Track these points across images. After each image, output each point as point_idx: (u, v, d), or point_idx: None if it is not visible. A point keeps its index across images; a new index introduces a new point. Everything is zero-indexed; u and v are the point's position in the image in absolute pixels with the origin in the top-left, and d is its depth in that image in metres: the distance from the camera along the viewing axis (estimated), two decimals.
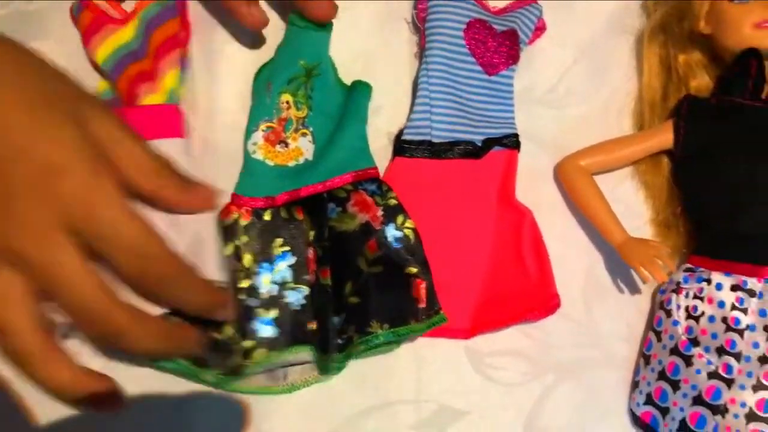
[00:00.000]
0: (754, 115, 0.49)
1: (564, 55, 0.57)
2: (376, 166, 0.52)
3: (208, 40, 0.56)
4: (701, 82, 0.54)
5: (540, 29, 0.56)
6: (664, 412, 0.49)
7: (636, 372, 0.51)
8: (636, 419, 0.50)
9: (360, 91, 0.54)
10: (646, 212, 0.55)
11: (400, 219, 0.50)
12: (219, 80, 0.56)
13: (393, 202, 0.51)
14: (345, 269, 0.49)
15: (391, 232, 0.50)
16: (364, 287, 0.48)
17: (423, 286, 0.49)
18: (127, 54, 0.53)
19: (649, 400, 0.49)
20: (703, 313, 0.48)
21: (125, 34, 0.53)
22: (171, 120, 0.52)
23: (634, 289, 0.53)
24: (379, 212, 0.50)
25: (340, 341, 0.47)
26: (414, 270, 0.49)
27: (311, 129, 0.52)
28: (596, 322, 0.53)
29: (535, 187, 0.55)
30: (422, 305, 0.49)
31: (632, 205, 0.55)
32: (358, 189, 0.51)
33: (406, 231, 0.50)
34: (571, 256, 0.54)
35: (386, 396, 0.51)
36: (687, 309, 0.49)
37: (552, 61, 0.57)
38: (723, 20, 0.50)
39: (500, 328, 0.51)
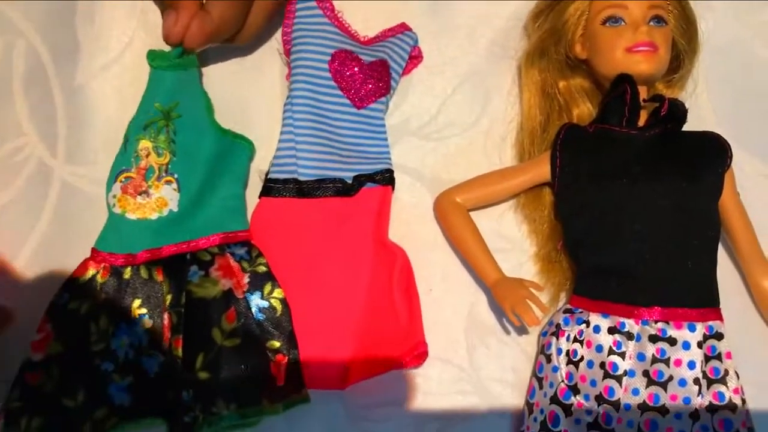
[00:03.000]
0: (628, 144, 0.47)
1: (443, 84, 0.54)
2: (248, 229, 0.49)
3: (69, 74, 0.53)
4: (583, 109, 0.51)
5: (416, 58, 0.54)
6: None
7: (521, 421, 0.48)
8: None
9: (240, 147, 0.50)
10: (531, 247, 0.51)
11: (267, 288, 0.47)
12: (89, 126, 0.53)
13: (262, 269, 0.48)
14: (198, 340, 0.45)
15: (256, 302, 0.47)
16: (215, 362, 0.45)
17: (284, 362, 0.46)
18: None
19: None
20: (582, 358, 0.45)
21: None
22: None
23: (519, 331, 0.50)
24: (245, 279, 0.47)
25: (187, 419, 0.43)
26: (276, 344, 0.46)
27: (176, 175, 0.48)
28: (480, 367, 0.50)
29: (415, 223, 0.52)
30: (280, 384, 0.45)
31: (517, 240, 0.52)
32: (224, 252, 0.47)
33: (273, 301, 0.47)
34: (452, 296, 0.51)
35: None
36: (567, 353, 0.46)
37: (430, 91, 0.54)
38: (596, 44, 0.48)
39: (373, 377, 0.48)
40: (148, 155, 0.48)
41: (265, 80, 0.54)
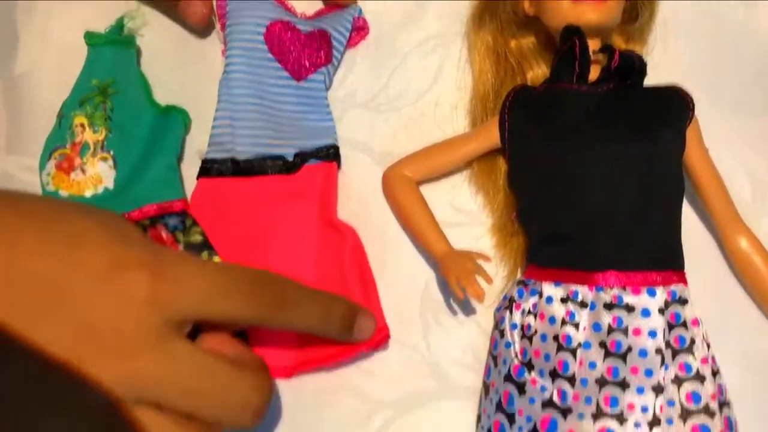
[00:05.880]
0: (579, 101, 0.43)
1: (391, 54, 0.51)
2: (185, 198, 0.47)
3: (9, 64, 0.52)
4: (538, 72, 0.48)
5: (362, 29, 0.51)
6: None
7: (479, 403, 0.45)
8: None
9: (173, 118, 0.49)
10: (487, 220, 0.48)
11: (204, 257, 0.45)
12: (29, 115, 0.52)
13: (197, 238, 0.46)
14: None
15: None
16: None
17: None
18: None
19: None
20: (536, 332, 0.41)
21: None
22: None
23: (476, 309, 0.47)
24: (179, 250, 0.45)
25: None
26: None
27: (112, 152, 0.47)
28: (437, 349, 0.47)
29: (364, 200, 0.49)
30: None
31: (473, 213, 0.49)
32: (156, 224, 0.46)
33: None
34: (406, 275, 0.48)
35: None
36: (522, 328, 0.42)
37: (378, 62, 0.51)
38: None
39: (326, 366, 0.45)
40: (83, 131, 0.47)
41: (207, 63, 0.52)
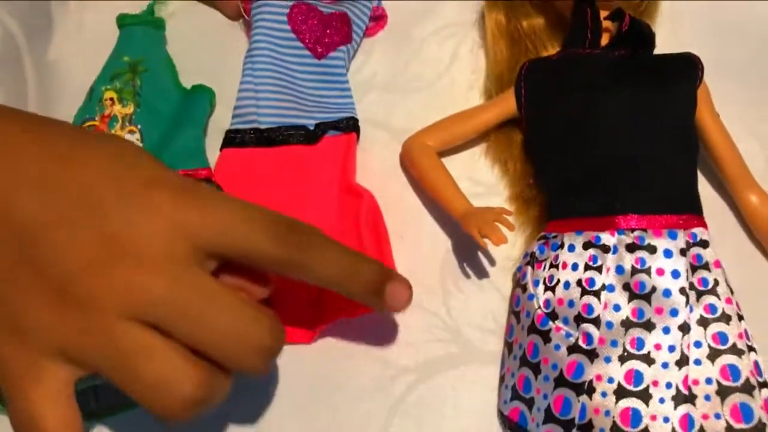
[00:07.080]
0: (592, 63, 0.45)
1: (409, 39, 0.54)
2: (210, 167, 0.48)
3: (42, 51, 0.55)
4: (551, 51, 0.50)
5: (380, 18, 0.54)
6: (530, 403, 0.41)
7: (502, 365, 0.44)
8: (506, 421, 0.43)
9: (200, 94, 0.51)
10: (505, 190, 0.49)
11: None
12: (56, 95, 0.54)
13: None
14: None
15: None
16: None
17: None
18: None
19: (515, 395, 0.42)
20: (558, 282, 0.42)
21: None
22: None
23: (497, 273, 0.47)
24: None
25: None
26: None
27: (139, 126, 0.49)
28: (457, 314, 0.46)
29: (384, 174, 0.50)
30: None
31: (492, 185, 0.50)
32: None
33: None
34: (426, 242, 0.48)
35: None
36: (544, 281, 0.42)
37: (396, 46, 0.54)
38: None
39: (341, 319, 0.45)
40: (112, 105, 0.49)
41: (231, 49, 0.54)
